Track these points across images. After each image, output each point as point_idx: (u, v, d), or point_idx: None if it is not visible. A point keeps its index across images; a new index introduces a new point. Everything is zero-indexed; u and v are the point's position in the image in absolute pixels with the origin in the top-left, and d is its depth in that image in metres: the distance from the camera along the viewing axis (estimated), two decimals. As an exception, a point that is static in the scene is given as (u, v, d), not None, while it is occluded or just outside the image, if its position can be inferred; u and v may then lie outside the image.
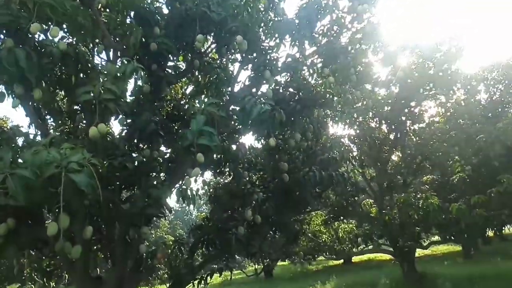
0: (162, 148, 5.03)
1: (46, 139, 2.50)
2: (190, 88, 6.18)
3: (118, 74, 3.37)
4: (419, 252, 18.26)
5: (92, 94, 3.17)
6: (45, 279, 5.63)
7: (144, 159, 4.24)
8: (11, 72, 3.11)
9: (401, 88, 12.22)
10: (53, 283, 6.07)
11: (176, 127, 5.32)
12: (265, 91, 4.40)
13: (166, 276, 5.08)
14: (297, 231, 6.23)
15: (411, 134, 13.38)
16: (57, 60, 3.36)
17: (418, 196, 10.62)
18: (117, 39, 4.01)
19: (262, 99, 4.11)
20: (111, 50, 3.98)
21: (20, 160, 2.41)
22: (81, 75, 3.78)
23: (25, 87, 3.28)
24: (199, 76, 5.72)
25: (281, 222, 5.79)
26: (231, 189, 4.89)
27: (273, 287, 17.00)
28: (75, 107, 4.73)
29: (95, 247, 4.78)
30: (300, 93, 5.18)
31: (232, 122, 5.58)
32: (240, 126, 4.94)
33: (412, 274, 12.68)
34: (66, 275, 7.14)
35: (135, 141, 4.86)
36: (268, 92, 4.25)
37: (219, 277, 5.74)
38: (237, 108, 4.67)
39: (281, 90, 5.22)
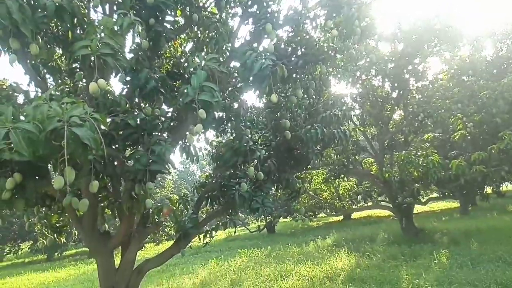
0: (163, 106, 5.01)
1: (46, 93, 2.48)
2: (189, 46, 6.04)
3: (115, 28, 3.27)
4: (417, 208, 18.75)
5: (89, 49, 3.10)
6: (55, 235, 5.84)
7: (147, 117, 4.22)
8: (5, 26, 3.03)
9: (406, 44, 11.92)
10: (63, 239, 6.29)
11: (176, 85, 5.26)
12: (267, 46, 4.29)
13: (172, 232, 5.26)
14: (299, 187, 6.34)
15: (414, 92, 13.24)
16: (51, 14, 3.24)
17: (419, 153, 10.71)
18: (113, -9, 3.86)
19: (263, 54, 4.03)
20: (107, 4, 3.84)
21: (21, 117, 2.40)
22: (78, 30, 3.67)
23: (21, 42, 3.20)
24: (198, 32, 5.56)
25: (283, 179, 5.89)
26: (233, 147, 4.92)
27: (275, 241, 17.65)
28: (74, 65, 4.65)
29: (102, 204, 4.90)
30: (302, 49, 5.06)
31: (233, 80, 5.52)
32: (241, 83, 4.88)
33: (410, 229, 13.09)
34: (76, 231, 7.40)
35: (136, 99, 4.82)
36: (269, 47, 4.15)
37: (223, 231, 5.93)
38: (238, 65, 4.59)
39: (282, 46, 5.09)
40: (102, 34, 3.22)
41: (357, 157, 13.57)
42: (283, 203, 16.93)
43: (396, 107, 13.30)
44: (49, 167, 2.99)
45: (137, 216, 4.71)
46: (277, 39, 4.90)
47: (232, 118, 5.12)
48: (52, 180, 3.15)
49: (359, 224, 22.16)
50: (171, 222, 5.15)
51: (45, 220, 5.07)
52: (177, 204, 5.47)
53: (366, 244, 12.67)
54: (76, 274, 17.21)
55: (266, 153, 5.55)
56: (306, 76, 5.42)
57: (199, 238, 5.75)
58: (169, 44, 5.39)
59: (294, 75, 4.86)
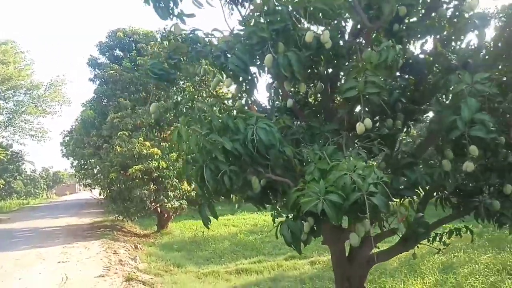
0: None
1: (346, 160, 2.71)
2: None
3: (379, 62, 3.24)
4: None
5: (357, 90, 3.18)
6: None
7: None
8: (278, 68, 3.42)
9: None
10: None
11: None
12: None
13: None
14: None
15: None
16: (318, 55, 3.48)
17: None
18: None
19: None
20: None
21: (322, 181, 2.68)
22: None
23: (292, 84, 3.60)
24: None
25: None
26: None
27: None
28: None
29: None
30: None
31: None
32: None
33: None
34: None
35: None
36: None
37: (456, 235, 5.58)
38: None
39: None
40: (366, 69, 3.24)
41: None
42: None
43: None
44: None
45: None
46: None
47: None
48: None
49: None
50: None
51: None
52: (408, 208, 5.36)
53: None
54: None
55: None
56: None
57: (428, 241, 5.56)
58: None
59: None
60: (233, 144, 2.97)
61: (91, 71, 20.65)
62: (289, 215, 3.21)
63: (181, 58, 3.92)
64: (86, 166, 18.36)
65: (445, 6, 4.46)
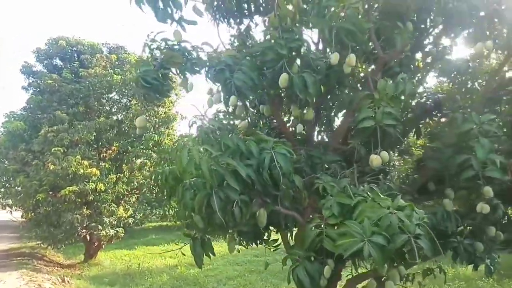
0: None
1: (395, 200, 2.40)
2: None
3: (396, 94, 3.10)
4: None
5: (373, 121, 2.98)
6: None
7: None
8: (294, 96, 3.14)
9: None
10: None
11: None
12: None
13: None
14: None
15: None
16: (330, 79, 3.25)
17: None
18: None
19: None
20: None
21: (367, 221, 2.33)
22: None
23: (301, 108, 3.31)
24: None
25: None
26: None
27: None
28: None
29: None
30: None
31: None
32: None
33: None
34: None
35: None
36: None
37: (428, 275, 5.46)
38: None
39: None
40: (381, 100, 3.08)
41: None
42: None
43: None
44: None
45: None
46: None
47: None
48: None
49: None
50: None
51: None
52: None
53: None
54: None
55: None
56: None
57: (401, 281, 5.44)
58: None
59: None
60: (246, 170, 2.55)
61: (25, 79, 18.58)
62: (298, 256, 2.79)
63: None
64: (8, 184, 16.03)
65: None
